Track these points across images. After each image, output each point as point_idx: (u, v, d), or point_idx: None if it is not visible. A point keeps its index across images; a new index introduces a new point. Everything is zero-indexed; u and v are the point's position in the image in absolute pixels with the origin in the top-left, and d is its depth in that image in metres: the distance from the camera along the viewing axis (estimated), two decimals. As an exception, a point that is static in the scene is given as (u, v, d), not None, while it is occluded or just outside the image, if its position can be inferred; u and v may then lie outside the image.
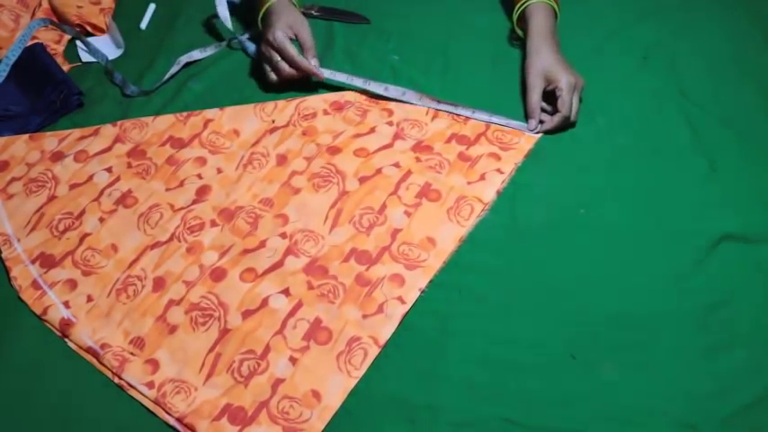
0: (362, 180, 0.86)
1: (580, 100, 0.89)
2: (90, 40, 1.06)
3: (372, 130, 0.91)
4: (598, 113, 0.92)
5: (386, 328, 0.73)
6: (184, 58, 1.01)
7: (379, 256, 0.79)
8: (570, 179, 0.86)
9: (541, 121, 0.89)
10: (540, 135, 0.89)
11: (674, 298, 0.75)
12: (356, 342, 0.73)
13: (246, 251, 0.80)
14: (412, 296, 0.76)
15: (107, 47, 1.05)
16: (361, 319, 0.74)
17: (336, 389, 0.70)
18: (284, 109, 0.94)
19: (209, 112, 0.95)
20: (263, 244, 0.81)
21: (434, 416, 0.69)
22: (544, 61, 0.89)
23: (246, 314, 0.75)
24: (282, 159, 0.89)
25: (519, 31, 0.97)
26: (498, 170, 0.86)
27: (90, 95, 0.99)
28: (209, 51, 1.04)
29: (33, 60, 0.99)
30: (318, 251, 0.80)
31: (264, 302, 0.76)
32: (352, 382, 0.70)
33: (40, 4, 1.08)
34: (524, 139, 0.88)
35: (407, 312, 0.75)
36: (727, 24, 1.03)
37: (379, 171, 0.86)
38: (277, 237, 0.81)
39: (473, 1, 1.08)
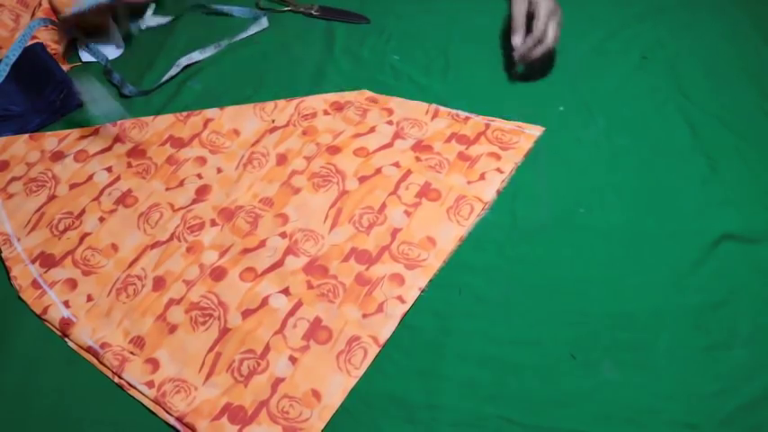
0: (362, 180, 0.86)
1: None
2: (90, 39, 1.06)
3: (372, 129, 0.91)
4: (598, 113, 0.92)
5: (386, 328, 0.73)
6: (184, 60, 1.01)
7: (378, 256, 0.79)
8: (570, 179, 0.86)
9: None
10: (538, 134, 0.89)
11: (673, 298, 0.75)
12: (356, 341, 0.73)
13: (246, 251, 0.80)
14: (412, 295, 0.76)
15: (107, 47, 1.05)
16: (360, 318, 0.74)
17: (336, 388, 0.70)
18: (284, 109, 0.94)
19: (210, 112, 0.95)
20: (262, 243, 0.81)
21: (434, 415, 0.69)
22: None
23: (246, 314, 0.75)
24: (282, 159, 0.89)
25: None
26: (498, 170, 0.86)
27: (90, 95, 0.99)
28: (209, 52, 1.04)
29: (33, 60, 0.99)
30: (318, 250, 0.80)
31: (264, 302, 0.76)
32: (352, 382, 0.70)
33: (39, 4, 1.08)
34: (524, 138, 0.88)
35: (407, 312, 0.75)
36: (727, 24, 1.03)
37: (378, 171, 0.86)
38: (277, 236, 0.81)
39: (473, 1, 1.08)
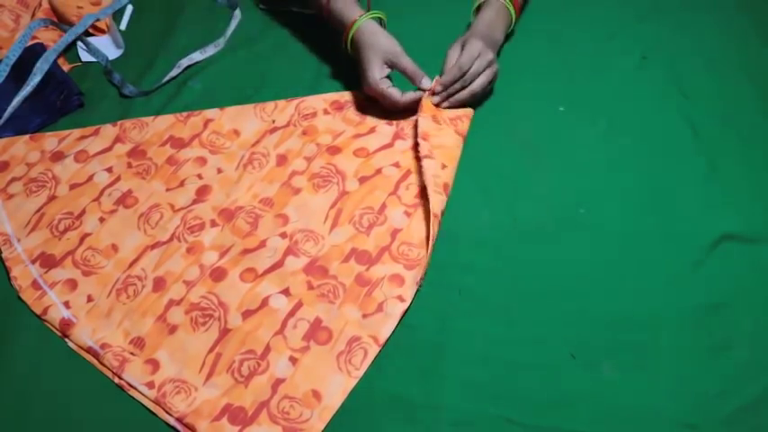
0: (362, 180, 0.86)
1: (492, 82, 0.91)
2: (90, 40, 1.06)
3: (372, 130, 0.91)
4: (598, 113, 0.92)
5: (386, 327, 0.73)
6: (185, 61, 1.01)
7: (378, 256, 0.79)
8: (570, 179, 0.86)
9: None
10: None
11: (674, 298, 0.75)
12: (356, 342, 0.73)
13: (246, 251, 0.80)
14: (411, 293, 0.76)
15: (107, 47, 1.05)
16: (360, 318, 0.74)
17: (337, 389, 0.70)
18: (284, 109, 0.94)
19: (210, 113, 0.95)
20: (263, 244, 0.81)
21: (435, 415, 0.69)
22: (469, 36, 0.90)
23: (246, 314, 0.75)
24: (282, 159, 0.89)
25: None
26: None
27: (90, 95, 0.99)
28: (210, 52, 1.04)
29: (33, 60, 0.99)
30: (318, 251, 0.80)
31: (264, 302, 0.76)
32: (353, 382, 0.70)
33: (40, 4, 1.08)
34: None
35: (407, 311, 0.75)
36: (727, 24, 1.03)
37: (379, 171, 0.86)
38: (277, 237, 0.81)
39: (473, 1, 1.08)
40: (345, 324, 0.74)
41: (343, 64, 1.01)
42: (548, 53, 1.00)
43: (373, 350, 0.72)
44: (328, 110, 0.94)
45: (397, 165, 0.87)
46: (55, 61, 1.00)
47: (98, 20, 1.07)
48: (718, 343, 0.71)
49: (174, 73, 1.00)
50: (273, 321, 0.75)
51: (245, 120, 0.94)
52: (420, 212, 0.82)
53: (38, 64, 0.97)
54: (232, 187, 0.87)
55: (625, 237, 0.80)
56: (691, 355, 0.71)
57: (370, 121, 0.92)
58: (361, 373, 0.71)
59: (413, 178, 0.85)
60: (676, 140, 0.89)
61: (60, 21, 1.08)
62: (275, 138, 0.91)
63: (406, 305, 0.75)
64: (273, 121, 0.93)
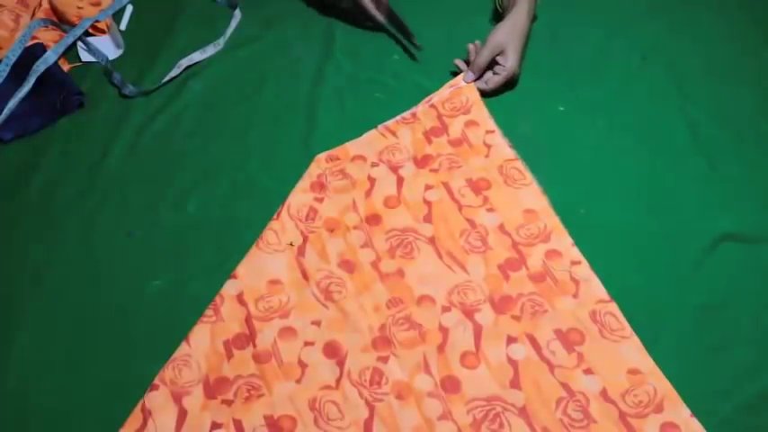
0: (428, 218, 0.81)
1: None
2: (90, 40, 1.06)
3: (372, 184, 0.85)
4: (598, 114, 0.92)
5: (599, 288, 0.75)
6: (185, 62, 1.01)
7: (521, 254, 0.78)
8: (570, 179, 0.86)
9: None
10: (467, 81, 0.94)
11: (674, 298, 0.75)
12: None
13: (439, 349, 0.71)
14: (575, 252, 0.77)
15: (107, 47, 1.05)
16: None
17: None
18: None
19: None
20: (445, 333, 0.72)
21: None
22: (514, 33, 0.93)
23: None
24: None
25: (499, 6, 1.02)
26: (488, 132, 0.89)
27: (90, 95, 0.99)
28: (210, 52, 1.04)
29: (33, 60, 0.99)
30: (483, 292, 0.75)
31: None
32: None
33: (40, 4, 1.08)
34: (467, 92, 0.93)
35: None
36: (727, 24, 1.03)
37: (429, 203, 0.83)
38: (446, 315, 0.74)
39: (474, 1, 1.08)
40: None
41: (342, 64, 1.01)
42: (548, 53, 1.00)
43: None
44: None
45: (429, 187, 0.84)
46: (55, 62, 1.00)
47: (97, 21, 1.07)
48: (718, 343, 0.71)
49: (174, 73, 1.00)
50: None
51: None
52: (494, 201, 0.82)
53: (35, 66, 0.97)
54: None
55: (625, 237, 0.80)
56: (690, 355, 0.71)
57: (360, 178, 0.85)
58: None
59: (453, 183, 0.84)
60: (676, 140, 0.89)
61: (60, 21, 1.08)
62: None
63: (586, 264, 0.76)
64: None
